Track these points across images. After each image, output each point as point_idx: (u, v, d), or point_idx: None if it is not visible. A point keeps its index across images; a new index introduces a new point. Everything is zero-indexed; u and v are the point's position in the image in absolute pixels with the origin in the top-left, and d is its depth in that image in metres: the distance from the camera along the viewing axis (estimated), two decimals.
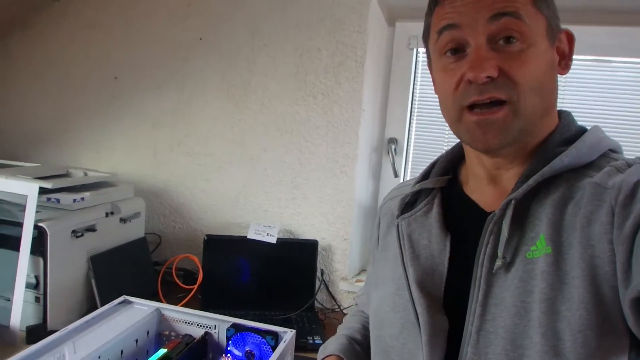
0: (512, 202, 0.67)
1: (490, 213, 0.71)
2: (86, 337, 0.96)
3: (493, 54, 0.66)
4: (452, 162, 0.85)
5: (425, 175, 0.85)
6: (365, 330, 0.97)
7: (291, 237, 1.76)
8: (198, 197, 1.88)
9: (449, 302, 0.73)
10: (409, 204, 0.84)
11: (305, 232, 1.75)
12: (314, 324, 1.54)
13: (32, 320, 1.34)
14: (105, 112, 1.97)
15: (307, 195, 1.73)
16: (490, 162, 0.74)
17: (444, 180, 0.83)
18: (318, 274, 1.71)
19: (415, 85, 1.68)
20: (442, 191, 0.82)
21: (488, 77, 0.65)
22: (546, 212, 0.66)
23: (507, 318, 0.65)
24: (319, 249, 1.70)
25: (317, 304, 1.70)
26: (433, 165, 0.87)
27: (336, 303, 1.72)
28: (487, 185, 0.76)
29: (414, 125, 1.70)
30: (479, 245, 0.70)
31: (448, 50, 0.70)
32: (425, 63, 0.83)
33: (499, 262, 0.66)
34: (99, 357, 0.93)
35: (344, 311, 1.68)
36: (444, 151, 1.60)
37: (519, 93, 0.65)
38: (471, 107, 0.68)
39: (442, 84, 0.73)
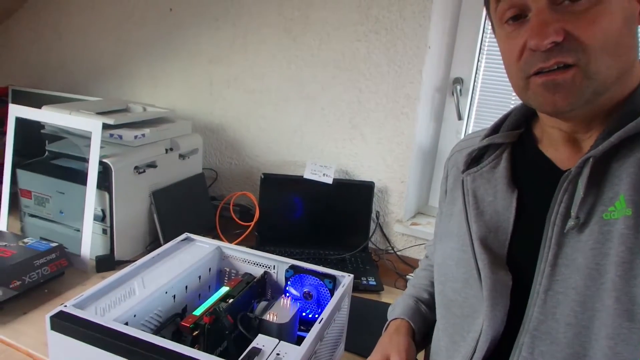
0: (591, 160, 0.63)
1: (565, 171, 0.67)
2: (153, 272, 1.00)
3: (557, 16, 0.60)
4: (526, 116, 0.80)
5: (496, 129, 0.81)
6: (433, 286, 0.96)
7: (347, 177, 1.74)
8: (254, 134, 1.88)
9: (513, 259, 0.72)
10: (475, 159, 0.81)
11: (361, 173, 1.73)
12: (367, 264, 1.55)
13: (101, 251, 1.42)
14: (163, 46, 1.96)
15: (365, 135, 1.69)
16: (565, 125, 0.69)
17: (516, 135, 0.79)
18: (373, 215, 1.70)
19: (486, 21, 1.56)
20: (513, 146, 0.78)
21: (552, 42, 0.59)
22: (628, 172, 0.62)
23: (579, 279, 0.63)
24: (375, 190, 1.68)
25: (371, 245, 1.70)
26: (505, 118, 0.82)
27: (390, 245, 1.72)
28: (564, 144, 0.71)
29: (482, 64, 1.60)
30: (552, 203, 0.67)
31: (509, 17, 0.65)
32: None
33: (571, 222, 0.63)
34: (166, 292, 0.96)
35: (398, 253, 1.68)
36: (512, 93, 1.55)
37: (588, 56, 0.59)
38: (537, 73, 0.63)
39: (506, 53, 0.68)
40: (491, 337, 0.70)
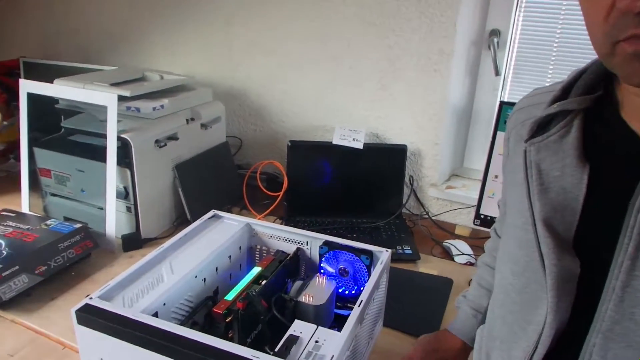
0: None
1: None
2: (181, 256, 0.95)
3: None
4: (606, 74, 0.66)
5: (566, 90, 0.68)
6: None
7: (378, 141, 1.66)
8: (278, 99, 1.79)
9: (580, 244, 0.62)
10: (541, 126, 0.68)
11: (392, 137, 1.64)
12: (402, 232, 1.49)
13: (126, 229, 1.37)
14: (180, 11, 1.86)
15: (396, 96, 1.58)
16: None
17: (591, 100, 0.65)
18: (406, 180, 1.62)
19: None
20: (587, 111, 0.66)
21: None
22: None
23: None
24: (408, 154, 1.60)
25: (404, 210, 1.63)
26: (578, 76, 0.68)
27: (424, 210, 1.65)
28: None
29: (521, 14, 1.46)
30: (637, 188, 0.56)
31: None
32: None
33: None
34: (196, 276, 0.91)
35: (433, 218, 1.60)
36: (554, 46, 1.43)
37: None
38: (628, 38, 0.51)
39: (587, 12, 0.56)
40: (555, 330, 0.62)
